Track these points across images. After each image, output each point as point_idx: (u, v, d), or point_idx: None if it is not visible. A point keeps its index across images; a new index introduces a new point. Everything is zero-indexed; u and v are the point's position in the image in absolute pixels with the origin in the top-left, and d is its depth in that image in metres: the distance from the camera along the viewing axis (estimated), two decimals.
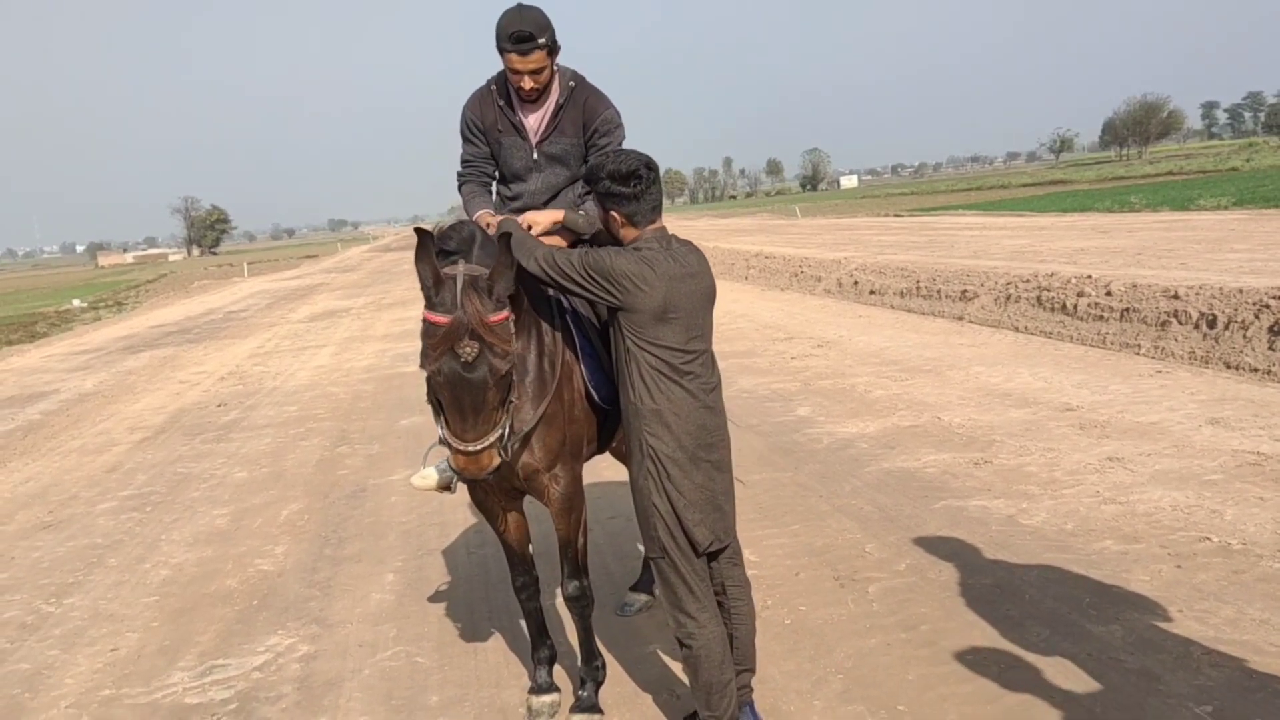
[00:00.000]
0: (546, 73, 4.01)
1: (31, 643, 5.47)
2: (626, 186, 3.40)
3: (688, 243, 3.54)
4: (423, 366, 3.24)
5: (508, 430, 3.42)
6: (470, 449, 3.28)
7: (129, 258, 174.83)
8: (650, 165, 3.45)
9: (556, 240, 4.01)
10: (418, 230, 3.27)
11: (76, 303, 42.62)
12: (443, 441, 3.39)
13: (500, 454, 3.41)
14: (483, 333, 3.18)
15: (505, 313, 3.30)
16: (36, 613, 5.91)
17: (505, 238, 3.36)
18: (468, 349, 3.15)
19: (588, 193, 4.18)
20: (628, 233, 3.47)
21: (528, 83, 3.97)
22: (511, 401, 3.42)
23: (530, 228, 3.90)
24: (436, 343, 3.18)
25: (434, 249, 3.29)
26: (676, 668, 4.33)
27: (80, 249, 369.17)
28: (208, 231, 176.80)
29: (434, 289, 3.23)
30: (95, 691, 4.78)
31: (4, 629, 5.70)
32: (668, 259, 3.39)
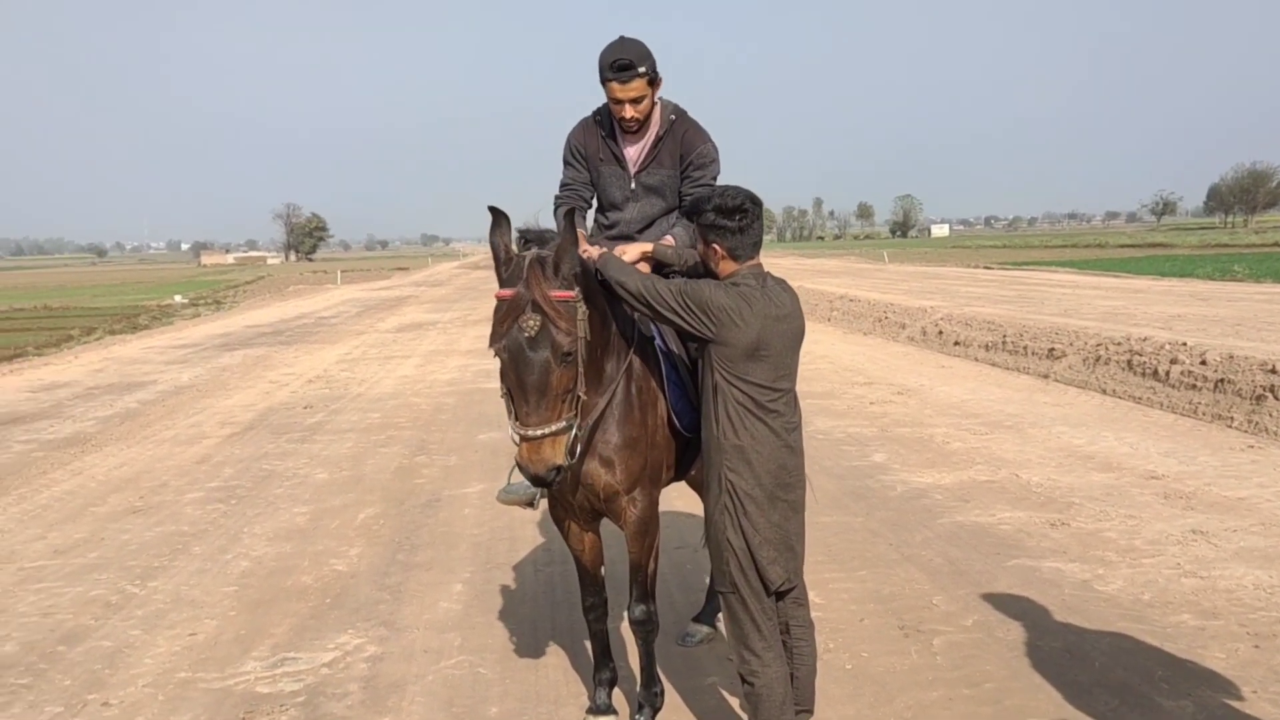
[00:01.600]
0: (646, 103, 4.10)
1: (115, 621, 5.69)
2: (731, 220, 3.45)
3: (782, 281, 3.57)
4: (490, 345, 3.36)
5: (575, 428, 3.45)
6: (532, 433, 3.32)
7: (230, 258, 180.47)
8: (755, 201, 3.50)
9: (643, 269, 4.09)
10: (492, 209, 3.40)
11: (178, 298, 44.11)
12: (513, 441, 3.44)
13: (567, 455, 3.42)
14: (545, 306, 3.27)
15: (571, 292, 3.38)
16: (122, 593, 6.15)
17: (569, 214, 3.46)
18: (530, 322, 3.25)
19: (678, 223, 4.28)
20: (726, 266, 3.51)
21: (628, 111, 4.07)
22: (580, 397, 3.46)
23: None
24: (502, 317, 3.31)
25: (509, 232, 3.43)
26: (734, 702, 4.34)
27: (185, 247, 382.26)
28: (306, 238, 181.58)
29: (504, 265, 3.39)
30: (172, 673, 4.96)
31: (90, 606, 5.94)
32: (764, 297, 3.43)
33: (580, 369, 3.43)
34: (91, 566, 6.68)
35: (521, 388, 3.33)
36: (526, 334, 3.26)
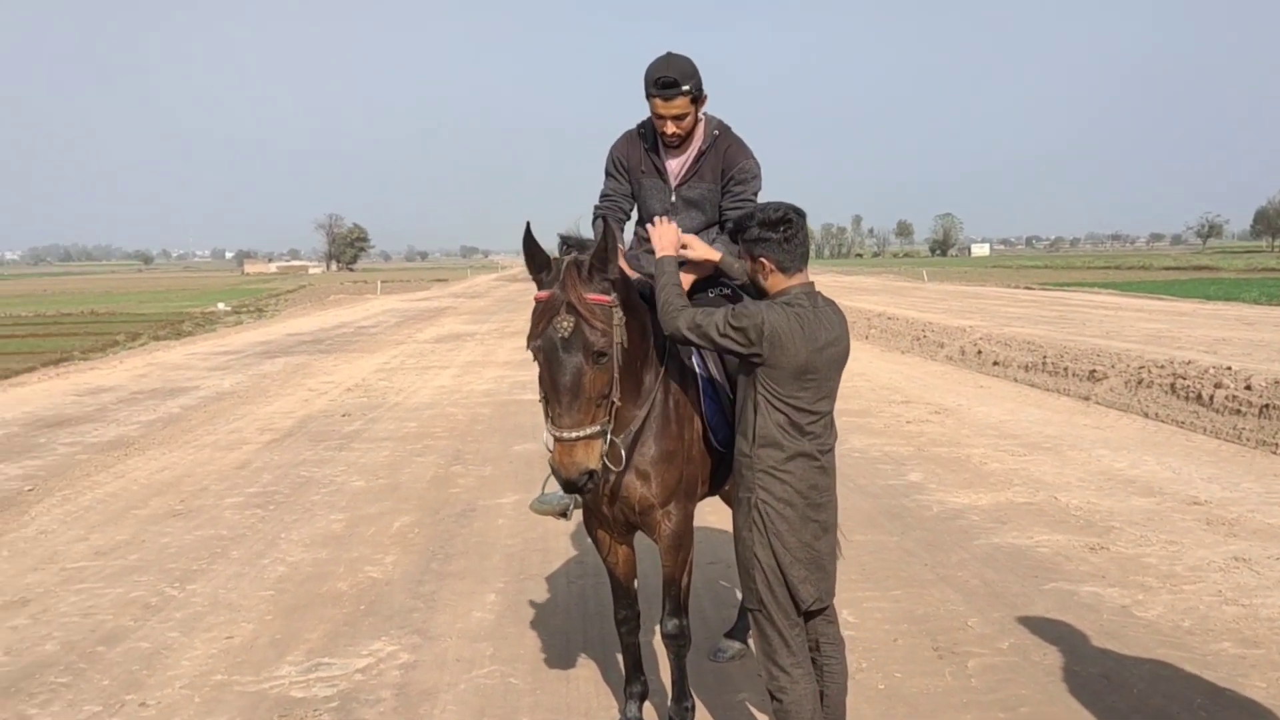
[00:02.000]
0: (689, 119, 4.15)
1: (154, 623, 5.77)
2: (775, 232, 3.44)
3: (832, 302, 3.53)
4: (527, 344, 3.44)
5: (608, 433, 3.47)
6: (566, 435, 3.35)
7: (273, 267, 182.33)
8: (798, 212, 3.50)
9: (690, 275, 4.07)
10: (528, 224, 3.47)
11: (221, 306, 44.78)
12: (547, 447, 3.48)
13: (604, 461, 3.44)
14: (580, 307, 3.33)
15: (608, 297, 3.43)
16: (161, 595, 6.23)
17: (606, 221, 3.49)
18: (564, 322, 3.31)
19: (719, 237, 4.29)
20: (776, 280, 3.49)
21: (670, 127, 4.13)
22: (615, 403, 3.49)
23: (685, 246, 3.96)
24: (538, 317, 3.39)
25: (541, 252, 3.50)
26: (764, 719, 4.32)
27: (229, 255, 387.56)
28: (347, 248, 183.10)
29: (543, 270, 3.46)
30: (208, 676, 5.02)
31: (130, 607, 6.03)
32: (816, 320, 3.40)
33: (616, 375, 3.46)
34: (132, 568, 6.78)
35: (555, 388, 3.37)
36: (560, 334, 3.32)
